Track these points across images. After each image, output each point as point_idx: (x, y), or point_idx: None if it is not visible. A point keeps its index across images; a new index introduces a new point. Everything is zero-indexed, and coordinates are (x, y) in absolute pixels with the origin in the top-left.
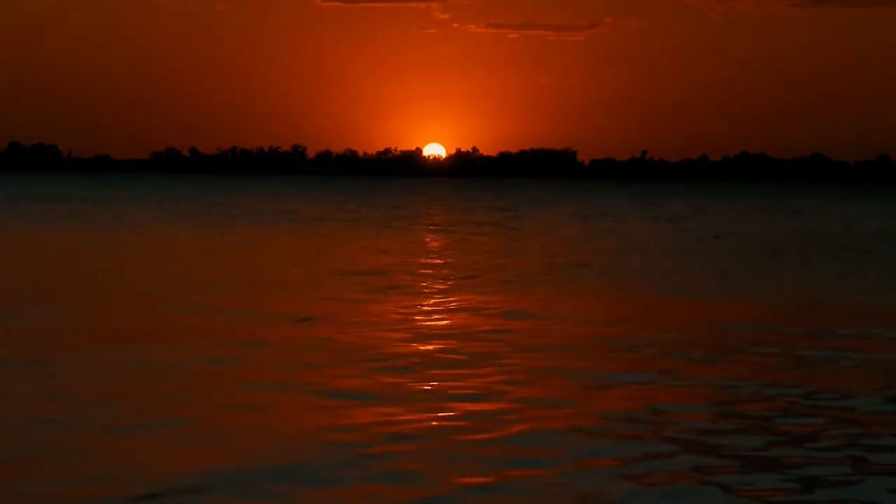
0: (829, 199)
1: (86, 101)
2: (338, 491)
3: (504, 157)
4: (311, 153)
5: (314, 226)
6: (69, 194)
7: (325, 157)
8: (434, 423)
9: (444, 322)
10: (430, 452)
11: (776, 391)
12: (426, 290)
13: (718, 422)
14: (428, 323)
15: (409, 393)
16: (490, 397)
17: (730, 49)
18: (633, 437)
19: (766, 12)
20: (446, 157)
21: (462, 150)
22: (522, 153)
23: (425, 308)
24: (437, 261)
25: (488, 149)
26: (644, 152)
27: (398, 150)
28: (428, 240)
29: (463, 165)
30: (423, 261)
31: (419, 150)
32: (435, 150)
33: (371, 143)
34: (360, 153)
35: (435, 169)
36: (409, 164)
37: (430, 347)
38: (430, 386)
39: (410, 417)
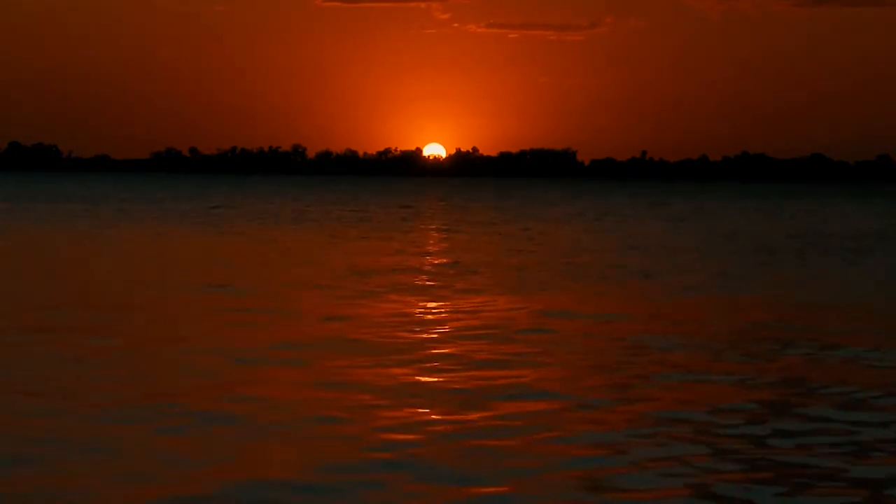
0: (830, 199)
1: (86, 101)
2: (381, 494)
3: (504, 157)
4: (311, 153)
5: (323, 225)
6: (70, 194)
7: (325, 157)
8: (475, 422)
9: (475, 321)
10: (471, 451)
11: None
12: (457, 289)
13: (764, 423)
14: (459, 323)
15: (448, 392)
16: (530, 396)
17: (730, 49)
18: (675, 438)
19: (767, 12)
20: (446, 157)
21: (462, 150)
22: (522, 153)
23: (456, 307)
24: (455, 259)
25: (488, 149)
26: (644, 152)
27: (398, 150)
28: (438, 239)
29: (463, 165)
30: (439, 260)
31: (419, 150)
32: (435, 150)
33: (371, 143)
34: (360, 153)
35: (435, 169)
36: (409, 164)
37: (465, 347)
38: (470, 385)
39: (453, 417)
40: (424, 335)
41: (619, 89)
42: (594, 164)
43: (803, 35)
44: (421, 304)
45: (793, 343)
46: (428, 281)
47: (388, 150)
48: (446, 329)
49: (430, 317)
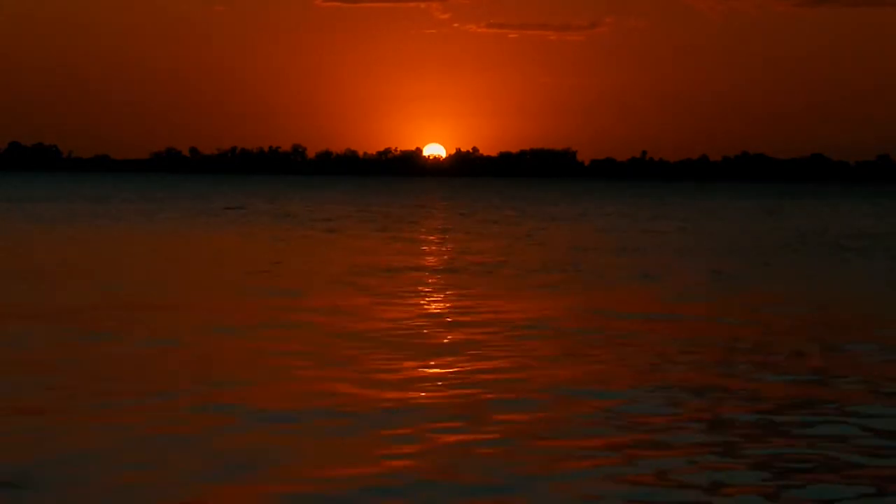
0: (830, 199)
1: (86, 101)
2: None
3: (504, 157)
4: (311, 153)
5: (335, 224)
6: (71, 194)
7: (325, 157)
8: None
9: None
10: (504, 444)
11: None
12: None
13: (774, 419)
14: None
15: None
16: (554, 391)
17: (730, 49)
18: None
19: (767, 12)
20: (446, 157)
21: (462, 150)
22: (522, 153)
23: (478, 304)
24: (478, 259)
25: (488, 149)
26: (644, 152)
27: (398, 150)
28: (444, 238)
29: (463, 165)
30: (456, 258)
31: (419, 150)
32: (435, 150)
33: (371, 143)
34: (360, 153)
35: (435, 169)
36: (409, 164)
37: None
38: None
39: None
40: (464, 335)
41: (619, 89)
42: (594, 164)
43: (803, 35)
44: (446, 300)
45: (793, 343)
46: (451, 279)
47: (388, 150)
48: (496, 328)
49: (467, 317)
